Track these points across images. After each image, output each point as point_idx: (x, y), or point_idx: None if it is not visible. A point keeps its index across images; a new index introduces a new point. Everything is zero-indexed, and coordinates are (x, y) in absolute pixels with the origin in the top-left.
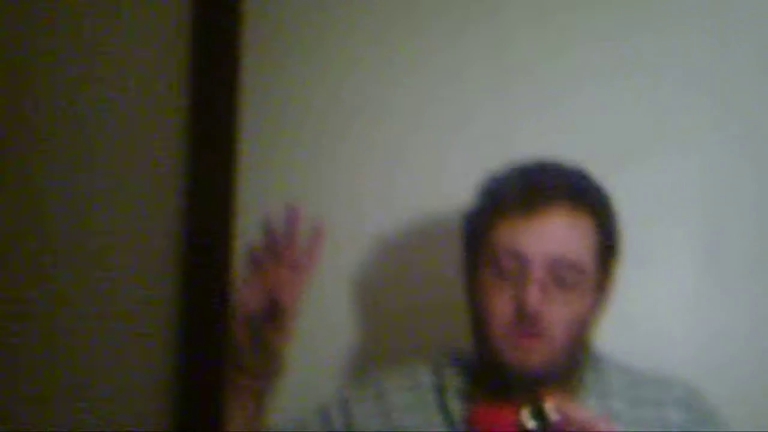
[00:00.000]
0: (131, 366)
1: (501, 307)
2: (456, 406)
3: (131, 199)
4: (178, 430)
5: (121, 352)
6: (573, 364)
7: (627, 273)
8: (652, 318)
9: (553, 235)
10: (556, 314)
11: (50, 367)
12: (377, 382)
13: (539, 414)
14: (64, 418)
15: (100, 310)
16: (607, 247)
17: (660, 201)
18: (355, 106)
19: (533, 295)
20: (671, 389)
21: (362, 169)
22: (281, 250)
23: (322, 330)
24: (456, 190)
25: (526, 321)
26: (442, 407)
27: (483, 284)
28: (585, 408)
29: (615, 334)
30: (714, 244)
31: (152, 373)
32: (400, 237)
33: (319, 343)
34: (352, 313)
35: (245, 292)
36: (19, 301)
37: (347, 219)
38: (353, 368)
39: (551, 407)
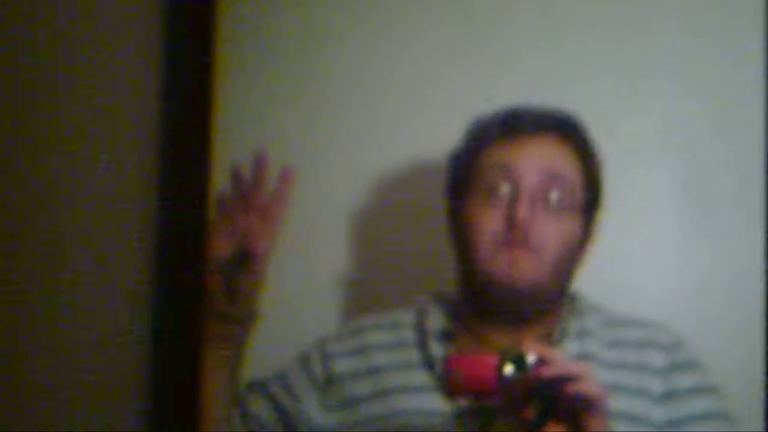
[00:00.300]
0: (106, 312)
1: (490, 223)
2: (436, 346)
3: (105, 148)
4: (155, 380)
5: (96, 300)
6: (556, 295)
7: (609, 219)
8: (634, 265)
9: (542, 152)
10: (544, 229)
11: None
12: (356, 322)
13: (517, 360)
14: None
15: (74, 256)
16: (591, 186)
17: (642, 146)
18: (335, 52)
19: (523, 205)
20: (652, 333)
21: (342, 113)
22: (250, 196)
23: (301, 280)
24: (438, 136)
25: (516, 232)
26: (422, 346)
27: (471, 206)
28: (561, 351)
29: (597, 282)
30: (698, 190)
31: (128, 321)
32: (383, 180)
33: (299, 291)
34: (333, 259)
35: (215, 239)
36: None
37: (328, 166)
38: (336, 317)
39: (529, 352)
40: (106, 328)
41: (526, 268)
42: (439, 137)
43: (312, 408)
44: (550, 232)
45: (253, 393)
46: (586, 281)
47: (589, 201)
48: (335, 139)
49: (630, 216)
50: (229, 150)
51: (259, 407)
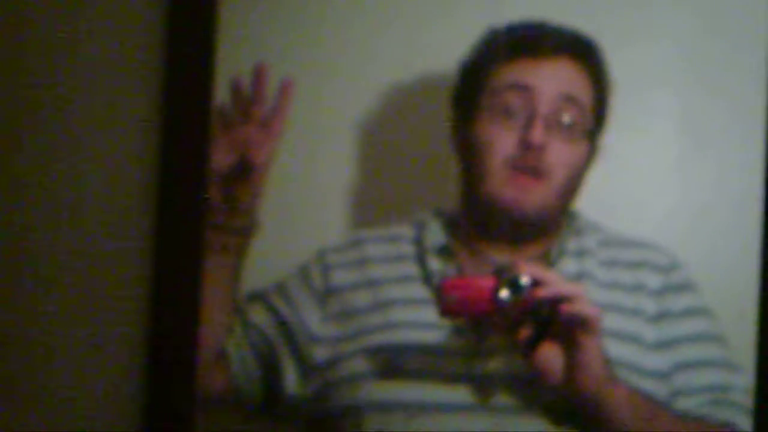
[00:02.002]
0: (109, 225)
1: (502, 142)
2: (434, 261)
3: (109, 64)
4: (155, 290)
5: (98, 213)
6: (560, 217)
7: (610, 140)
8: (633, 185)
9: (559, 74)
10: (556, 154)
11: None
12: (356, 235)
13: (512, 283)
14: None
15: (78, 170)
16: (600, 109)
17: (644, 68)
18: None
19: (539, 129)
20: (650, 253)
21: (349, 25)
22: (249, 107)
23: (303, 191)
24: (447, 48)
25: (530, 155)
26: (420, 261)
27: (482, 126)
28: (557, 271)
29: (596, 202)
30: (698, 111)
31: (128, 233)
32: (390, 92)
33: (301, 203)
34: (338, 168)
35: (215, 151)
36: None
37: (334, 78)
38: (337, 229)
39: (524, 275)
40: (109, 239)
41: (534, 195)
42: (449, 50)
43: (311, 319)
44: (561, 157)
45: (254, 303)
46: (586, 201)
47: (598, 124)
48: (341, 50)
49: (630, 137)
50: (234, 63)
51: (260, 317)
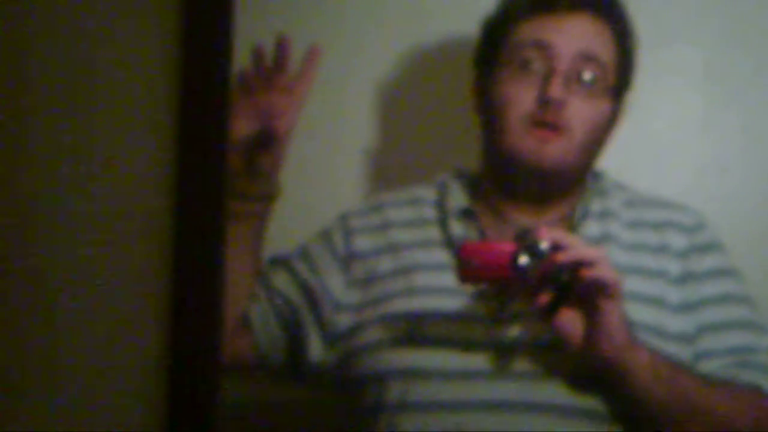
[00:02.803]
0: (131, 191)
1: (522, 98)
2: (456, 224)
3: (128, 36)
4: (176, 260)
5: (119, 180)
6: (583, 177)
7: (634, 97)
8: (658, 143)
9: (579, 31)
10: (576, 111)
11: None
12: (377, 198)
13: (532, 248)
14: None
15: (98, 135)
16: (624, 66)
17: (667, 24)
18: None
19: (557, 85)
20: (675, 214)
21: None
22: (272, 75)
23: (325, 155)
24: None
25: (548, 110)
26: (443, 224)
27: (502, 82)
28: (579, 234)
29: (621, 160)
30: (722, 68)
31: (150, 199)
32: (411, 55)
33: (323, 167)
34: (361, 133)
35: (236, 118)
36: None
37: (355, 41)
38: (359, 192)
39: (543, 239)
40: (128, 208)
41: (554, 150)
42: (471, 11)
43: (334, 283)
44: (581, 114)
45: (277, 268)
46: (610, 159)
47: (621, 82)
48: (362, 14)
49: (654, 94)
50: (253, 29)
51: (283, 282)
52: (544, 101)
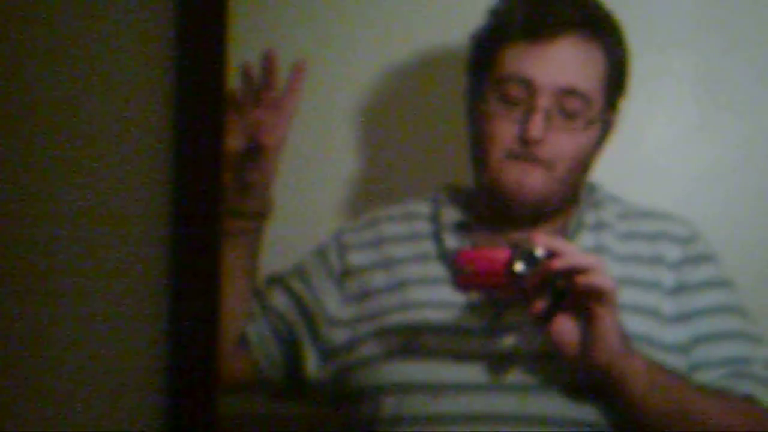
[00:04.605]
0: (124, 209)
1: (503, 132)
2: (451, 238)
3: (119, 54)
4: (172, 275)
5: (112, 201)
6: (571, 198)
7: (628, 103)
8: (653, 149)
9: (561, 63)
10: (559, 145)
11: None
12: (372, 214)
13: (527, 255)
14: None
15: (93, 150)
16: (615, 81)
17: (661, 28)
18: None
19: (537, 124)
20: (669, 225)
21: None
22: (260, 92)
23: (319, 171)
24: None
25: (528, 148)
26: (437, 238)
27: (487, 110)
28: (573, 243)
29: (615, 168)
30: (717, 71)
31: (144, 219)
32: (395, 73)
33: (317, 185)
34: (349, 150)
35: (227, 135)
36: None
37: (340, 59)
38: (351, 207)
39: (539, 246)
40: (124, 228)
41: (535, 182)
42: (458, 28)
43: (330, 300)
44: (563, 148)
45: (272, 286)
46: (604, 168)
47: (611, 98)
48: (351, 32)
49: (648, 99)
50: (245, 48)
51: (279, 300)
52: (524, 140)
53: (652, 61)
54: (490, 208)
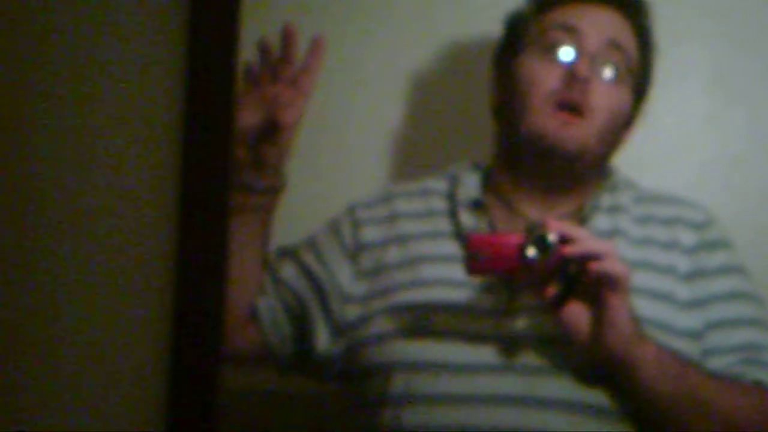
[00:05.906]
0: (134, 183)
1: (547, 77)
2: (466, 215)
3: (134, 24)
4: (180, 251)
5: (122, 173)
6: (596, 166)
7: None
8: (665, 139)
9: (607, 20)
10: (600, 94)
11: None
12: (386, 189)
13: (539, 241)
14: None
15: (102, 129)
16: (645, 59)
17: (674, 21)
18: None
19: (585, 63)
20: (684, 210)
21: None
22: (278, 67)
23: (334, 146)
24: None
25: (574, 88)
26: (452, 216)
27: (528, 63)
28: (588, 228)
29: (628, 156)
30: (728, 63)
31: (154, 191)
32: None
33: (331, 160)
34: (366, 127)
35: (242, 109)
36: None
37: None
38: (367, 182)
39: (551, 232)
40: (133, 201)
41: (576, 133)
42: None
43: (342, 274)
44: (604, 98)
45: (284, 259)
46: (618, 155)
47: (641, 79)
48: (370, 4)
49: (661, 90)
50: (259, 22)
51: (290, 273)
52: (571, 80)
53: (664, 54)
54: (508, 182)
